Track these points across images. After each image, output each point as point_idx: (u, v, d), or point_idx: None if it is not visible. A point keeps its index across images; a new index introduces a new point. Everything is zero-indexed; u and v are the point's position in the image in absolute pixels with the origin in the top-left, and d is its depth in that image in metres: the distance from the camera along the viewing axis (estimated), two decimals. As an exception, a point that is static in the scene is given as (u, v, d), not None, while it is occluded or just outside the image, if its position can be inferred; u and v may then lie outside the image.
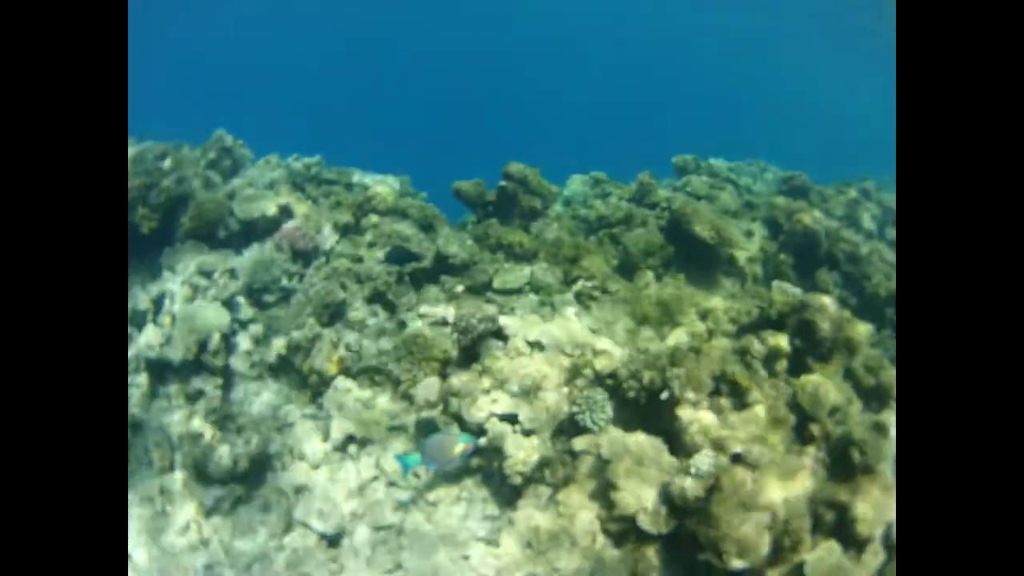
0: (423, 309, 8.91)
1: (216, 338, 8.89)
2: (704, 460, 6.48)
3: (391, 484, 7.72)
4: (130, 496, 8.33)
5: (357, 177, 11.66)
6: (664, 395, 7.14)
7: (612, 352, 7.96)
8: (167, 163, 10.46)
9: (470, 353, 8.09)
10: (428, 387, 8.07)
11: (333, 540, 7.57)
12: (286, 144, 12.28)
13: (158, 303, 9.56)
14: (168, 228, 10.09)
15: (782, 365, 7.56)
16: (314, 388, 8.56)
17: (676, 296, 9.43)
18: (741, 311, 8.86)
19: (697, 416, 7.06)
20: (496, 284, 9.41)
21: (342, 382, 8.46)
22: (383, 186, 10.79)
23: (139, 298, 9.77)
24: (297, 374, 8.76)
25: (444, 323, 8.66)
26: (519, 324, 8.40)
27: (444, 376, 8.13)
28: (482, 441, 7.45)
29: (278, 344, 8.94)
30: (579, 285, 9.46)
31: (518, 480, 7.26)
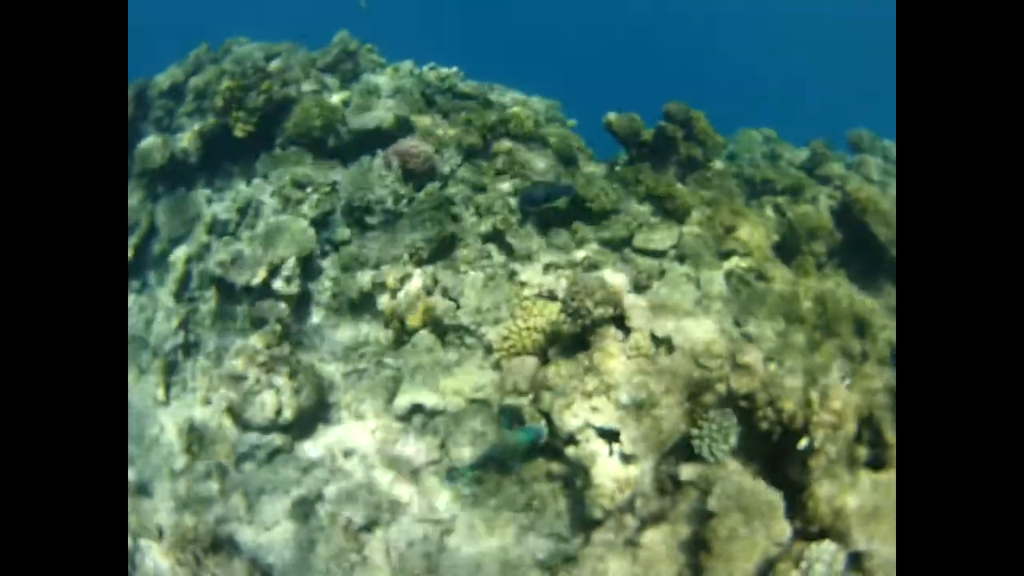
0: (525, 275, 7.31)
1: (291, 263, 7.59)
2: (821, 561, 5.07)
3: (452, 472, 6.27)
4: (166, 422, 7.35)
5: (496, 95, 9.96)
6: (803, 443, 5.67)
7: (755, 367, 6.12)
8: (274, 64, 9.20)
9: (580, 339, 6.38)
10: (521, 368, 6.45)
11: (364, 528, 6.24)
12: (429, 53, 10.79)
13: (243, 212, 8.38)
14: (270, 133, 8.83)
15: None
16: (395, 337, 7.16)
17: (835, 298, 7.71)
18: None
19: (830, 491, 5.58)
20: (637, 242, 7.76)
21: (425, 337, 6.98)
22: (524, 108, 9.09)
23: (224, 205, 8.62)
24: (380, 316, 7.39)
25: (551, 297, 7.09)
26: (646, 313, 6.63)
27: (545, 359, 6.53)
28: (570, 451, 5.88)
29: (363, 277, 7.55)
30: (733, 262, 7.72)
31: (599, 514, 5.70)
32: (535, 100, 10.17)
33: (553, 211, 7.88)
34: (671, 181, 8.55)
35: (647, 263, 7.57)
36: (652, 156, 9.02)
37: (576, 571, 5.63)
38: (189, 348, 8.01)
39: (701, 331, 6.51)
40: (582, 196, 7.92)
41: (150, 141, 9.21)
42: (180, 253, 8.56)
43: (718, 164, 9.52)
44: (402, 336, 7.10)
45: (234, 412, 6.98)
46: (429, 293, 7.27)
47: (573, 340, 6.44)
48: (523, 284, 7.23)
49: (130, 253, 8.71)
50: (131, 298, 8.77)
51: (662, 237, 7.84)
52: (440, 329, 7.09)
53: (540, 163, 8.40)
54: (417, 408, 6.73)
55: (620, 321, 6.46)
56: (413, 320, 7.03)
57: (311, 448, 6.86)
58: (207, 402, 7.35)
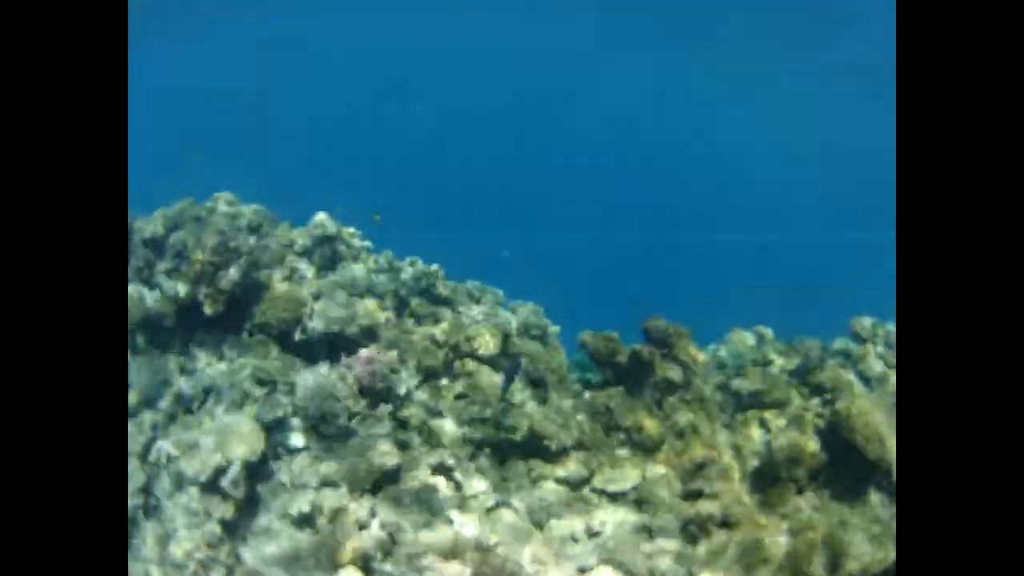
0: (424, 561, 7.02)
1: (236, 468, 7.40)
2: None
3: None
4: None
5: (468, 306, 9.81)
6: None
7: None
8: (251, 241, 9.07)
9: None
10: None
11: None
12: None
13: (207, 392, 8.23)
14: (239, 314, 8.70)
15: None
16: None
17: (807, 536, 7.28)
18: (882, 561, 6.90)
19: None
20: (597, 481, 7.55)
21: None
22: (491, 327, 8.94)
23: (189, 383, 8.43)
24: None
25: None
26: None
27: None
28: None
29: (303, 498, 7.31)
30: (698, 506, 7.37)
31: None
32: (518, 306, 9.93)
33: (508, 442, 7.64)
34: (642, 410, 8.26)
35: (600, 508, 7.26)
36: (627, 379, 8.74)
37: None
38: (148, 511, 7.79)
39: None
40: (539, 433, 7.64)
41: (131, 292, 9.08)
42: (147, 417, 8.37)
43: (700, 382, 9.21)
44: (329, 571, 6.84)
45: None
46: (363, 528, 6.97)
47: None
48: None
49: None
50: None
51: (622, 477, 7.55)
52: (368, 569, 6.81)
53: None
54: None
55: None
56: (341, 556, 6.75)
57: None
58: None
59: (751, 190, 47.32)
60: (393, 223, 11.18)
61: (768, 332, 10.82)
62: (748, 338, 10.76)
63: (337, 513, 7.14)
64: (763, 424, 8.61)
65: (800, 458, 7.88)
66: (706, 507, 7.46)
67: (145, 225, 9.91)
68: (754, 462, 8.05)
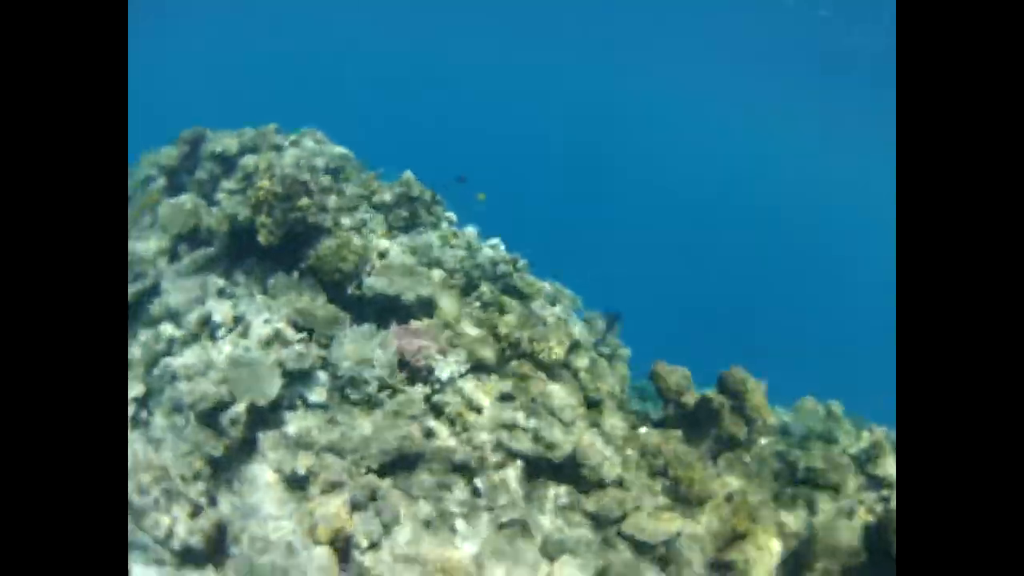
0: (461, 538, 6.25)
1: (240, 408, 6.75)
2: None
3: None
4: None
5: (548, 308, 8.83)
6: None
7: None
8: (324, 180, 8.40)
9: None
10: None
11: None
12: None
13: (237, 321, 7.61)
14: (296, 251, 8.04)
15: None
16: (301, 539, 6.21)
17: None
18: None
19: None
20: (627, 526, 6.70)
21: (321, 556, 5.99)
22: (559, 332, 8.04)
23: (223, 307, 7.80)
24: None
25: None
26: None
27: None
28: None
29: (303, 459, 6.62)
30: None
31: None
32: (595, 317, 9.17)
33: (546, 462, 6.88)
34: (697, 461, 7.44)
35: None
36: (688, 424, 7.92)
37: None
38: (139, 423, 7.22)
39: None
40: (581, 459, 6.87)
41: (185, 201, 8.53)
42: (167, 330, 7.78)
43: (762, 443, 8.36)
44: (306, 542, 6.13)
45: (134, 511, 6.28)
46: (356, 509, 6.26)
47: None
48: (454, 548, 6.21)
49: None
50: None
51: (657, 528, 6.75)
52: (345, 556, 6.09)
53: (557, 399, 7.33)
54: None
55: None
56: (320, 533, 6.05)
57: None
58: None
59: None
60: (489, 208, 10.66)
61: (838, 408, 9.95)
62: (819, 410, 9.87)
63: (333, 486, 6.44)
64: (811, 505, 7.90)
65: (838, 552, 7.06)
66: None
67: (216, 143, 9.34)
68: (793, 543, 7.27)
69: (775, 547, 7.11)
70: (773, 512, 7.57)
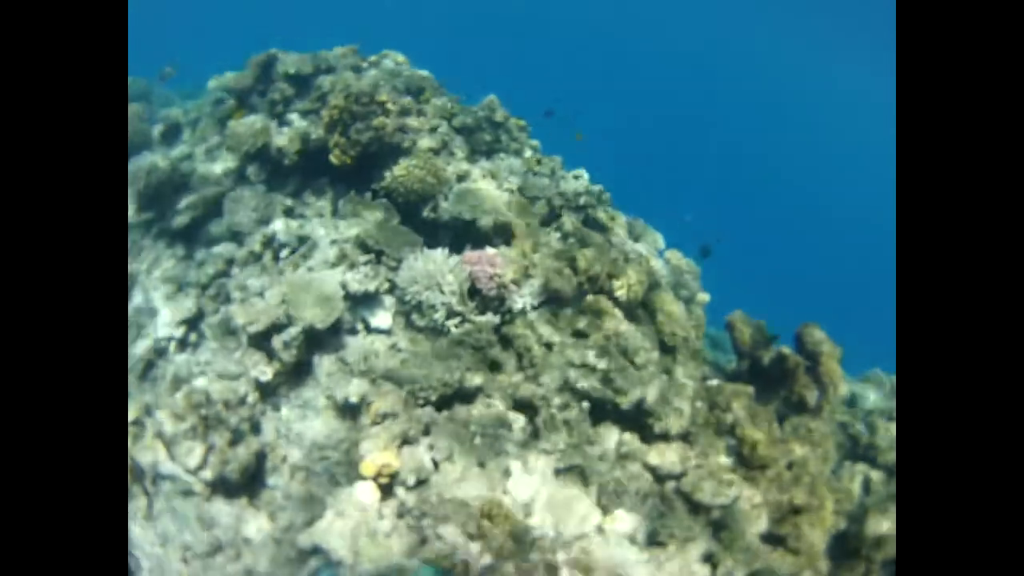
0: (515, 482, 5.99)
1: (296, 331, 6.53)
2: None
3: None
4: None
5: (629, 244, 8.44)
6: None
7: None
8: (404, 101, 8.14)
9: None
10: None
11: None
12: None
13: (302, 241, 7.45)
14: (370, 172, 7.81)
15: None
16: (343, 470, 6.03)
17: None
18: None
19: None
20: (686, 483, 6.42)
21: (364, 491, 5.81)
22: (639, 270, 7.58)
23: (289, 226, 7.63)
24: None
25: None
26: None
27: None
28: None
29: (356, 386, 6.36)
30: (773, 557, 6.34)
31: None
32: (676, 256, 8.87)
33: (612, 405, 6.61)
34: (763, 423, 7.14)
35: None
36: (761, 380, 7.61)
37: None
38: (185, 346, 7.22)
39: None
40: (649, 408, 6.60)
41: (255, 120, 8.31)
42: (224, 250, 7.65)
43: (829, 414, 8.05)
44: (351, 474, 5.94)
45: (163, 438, 6.13)
46: (406, 443, 6.02)
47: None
48: (504, 492, 5.95)
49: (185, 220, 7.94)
50: (171, 261, 7.91)
51: (715, 489, 6.47)
52: (388, 492, 5.85)
53: (631, 341, 7.01)
54: (316, 551, 5.60)
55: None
56: (365, 468, 5.79)
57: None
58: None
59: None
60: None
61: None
62: (886, 383, 9.53)
63: (385, 416, 6.18)
64: (867, 484, 7.89)
65: (886, 542, 6.84)
66: (781, 562, 6.42)
67: (290, 64, 9.08)
68: (843, 523, 6.99)
69: (828, 525, 6.85)
70: (831, 489, 7.29)
